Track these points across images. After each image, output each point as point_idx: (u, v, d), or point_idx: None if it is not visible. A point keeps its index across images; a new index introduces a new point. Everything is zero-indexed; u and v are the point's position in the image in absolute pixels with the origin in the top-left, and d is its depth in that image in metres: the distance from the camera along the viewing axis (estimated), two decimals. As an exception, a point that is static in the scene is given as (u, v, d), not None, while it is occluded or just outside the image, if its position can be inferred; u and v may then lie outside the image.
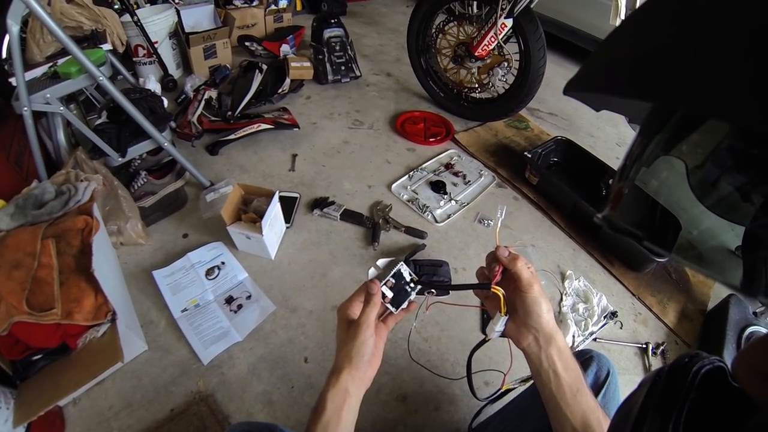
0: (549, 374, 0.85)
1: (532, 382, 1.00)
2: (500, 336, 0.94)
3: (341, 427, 0.78)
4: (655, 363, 1.82)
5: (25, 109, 1.63)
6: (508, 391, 1.09)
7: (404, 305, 0.95)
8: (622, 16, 2.11)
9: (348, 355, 0.83)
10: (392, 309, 0.92)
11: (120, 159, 1.89)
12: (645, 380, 0.51)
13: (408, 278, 0.95)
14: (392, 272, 0.93)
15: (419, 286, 0.95)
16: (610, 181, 2.35)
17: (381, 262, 0.86)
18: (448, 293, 1.86)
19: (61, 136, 1.88)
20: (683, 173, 0.45)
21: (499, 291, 0.90)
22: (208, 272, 1.86)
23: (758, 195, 0.39)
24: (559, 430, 0.85)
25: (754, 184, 0.39)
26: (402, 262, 0.95)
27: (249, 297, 1.80)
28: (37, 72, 1.77)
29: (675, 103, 0.36)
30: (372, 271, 0.83)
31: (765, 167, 0.37)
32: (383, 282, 0.91)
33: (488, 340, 0.96)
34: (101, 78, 1.68)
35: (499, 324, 0.91)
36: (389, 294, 0.91)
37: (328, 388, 0.80)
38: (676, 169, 0.45)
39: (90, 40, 2.17)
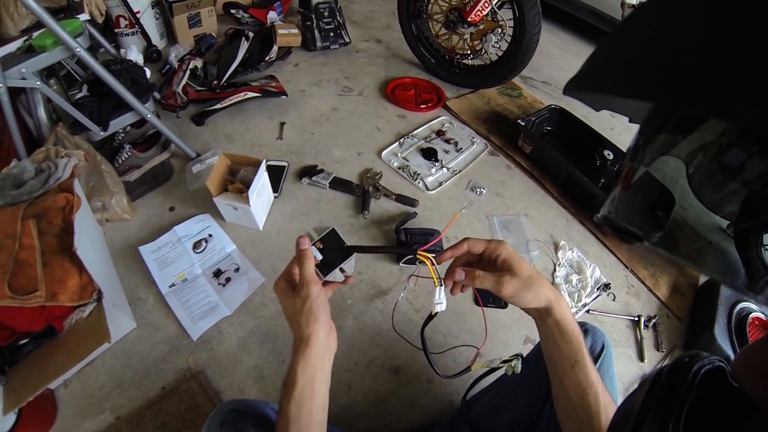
0: (548, 342, 0.88)
1: (502, 371, 1.01)
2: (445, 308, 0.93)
3: (315, 399, 0.77)
4: (647, 336, 1.83)
5: (0, 85, 1.58)
6: (483, 376, 1.10)
7: (339, 278, 0.94)
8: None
9: (311, 315, 0.81)
10: (319, 274, 0.89)
11: (102, 133, 1.85)
12: (645, 380, 0.51)
13: (339, 243, 0.94)
14: (324, 233, 0.93)
15: (353, 254, 0.94)
16: (605, 152, 2.34)
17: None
18: (441, 263, 1.84)
19: (41, 112, 1.83)
20: (683, 173, 0.45)
21: (427, 259, 0.90)
22: (196, 245, 1.83)
23: (759, 194, 0.40)
24: (557, 396, 0.88)
25: (755, 183, 0.39)
26: (333, 227, 0.95)
27: (237, 269, 1.78)
28: (12, 47, 1.71)
29: (675, 103, 0.35)
30: (300, 235, 0.84)
31: (765, 166, 0.37)
32: (313, 242, 0.90)
33: (435, 314, 0.95)
34: (78, 49, 1.63)
35: (437, 296, 0.91)
36: (319, 256, 0.90)
37: (298, 360, 0.78)
38: (676, 169, 0.46)
39: (66, 11, 2.11)
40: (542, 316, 0.88)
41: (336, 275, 0.93)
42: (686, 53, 0.31)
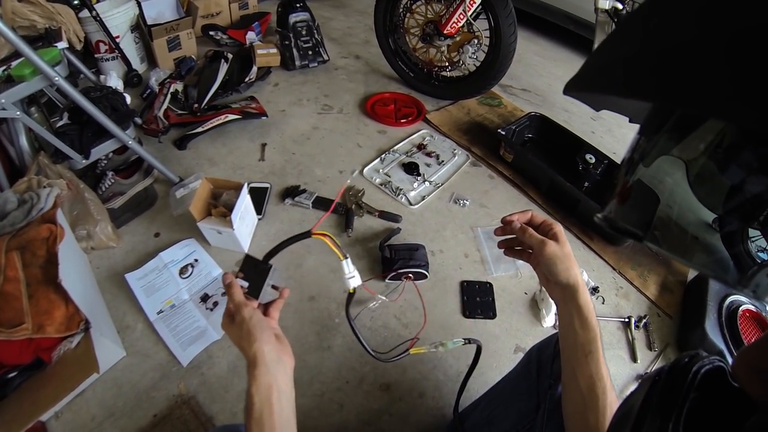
0: (567, 327, 0.90)
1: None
2: (361, 283, 0.97)
3: (275, 417, 0.77)
4: (638, 336, 1.84)
5: (-21, 116, 1.57)
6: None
7: (273, 295, 0.97)
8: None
9: (250, 336, 0.83)
10: (251, 299, 0.92)
11: (84, 161, 1.85)
12: (645, 380, 0.52)
13: (255, 262, 0.96)
14: (240, 262, 0.96)
15: (272, 269, 0.96)
16: (587, 156, 2.36)
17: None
18: (426, 277, 1.85)
19: (23, 141, 1.82)
20: (683, 172, 0.45)
21: (325, 237, 0.93)
22: (182, 271, 1.83)
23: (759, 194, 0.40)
24: (567, 387, 0.89)
25: (753, 182, 0.39)
26: (246, 253, 0.97)
27: (224, 293, 1.76)
28: (-9, 76, 1.71)
29: (671, 103, 0.36)
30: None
31: (765, 166, 0.38)
32: (235, 274, 0.93)
33: (353, 291, 0.98)
34: (57, 78, 1.63)
35: (346, 270, 0.94)
36: (244, 284, 0.93)
37: (250, 382, 0.80)
38: (676, 169, 0.46)
39: (44, 39, 2.10)
40: (566, 298, 0.90)
41: (268, 293, 0.95)
42: (683, 53, 0.32)
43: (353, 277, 0.95)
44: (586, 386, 0.83)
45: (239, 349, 0.85)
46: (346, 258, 0.93)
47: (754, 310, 1.82)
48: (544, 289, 1.89)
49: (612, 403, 0.82)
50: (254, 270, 0.95)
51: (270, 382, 0.79)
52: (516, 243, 1.04)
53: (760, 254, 0.45)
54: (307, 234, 0.93)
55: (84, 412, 1.44)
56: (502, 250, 1.06)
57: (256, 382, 0.78)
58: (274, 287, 0.97)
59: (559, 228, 0.95)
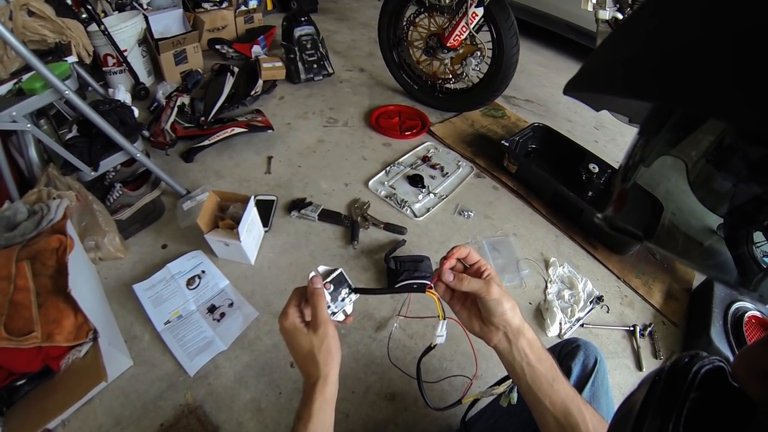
0: (523, 367, 0.86)
1: (500, 390, 1.02)
2: (445, 340, 0.97)
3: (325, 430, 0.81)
4: (643, 345, 1.84)
5: (-9, 128, 1.59)
6: (476, 401, 1.11)
7: (340, 318, 0.97)
8: (594, 0, 2.11)
9: (329, 354, 0.84)
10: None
11: (92, 173, 1.87)
12: (645, 380, 0.52)
13: (345, 285, 0.97)
14: (333, 275, 0.95)
15: (355, 295, 0.98)
16: (590, 166, 2.36)
17: (321, 268, 0.89)
18: (424, 292, 1.86)
19: (32, 152, 1.84)
20: (683, 172, 0.45)
21: (434, 295, 0.94)
22: (189, 282, 1.84)
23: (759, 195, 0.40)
24: (541, 422, 0.86)
25: (753, 183, 0.40)
26: (341, 269, 0.97)
27: (231, 304, 1.79)
28: (2, 89, 1.73)
29: (671, 102, 0.36)
30: (312, 274, 0.87)
31: (765, 166, 0.38)
32: (324, 282, 0.93)
33: (434, 346, 0.99)
34: (67, 92, 1.65)
35: (440, 329, 0.94)
36: (328, 298, 0.92)
37: (315, 396, 0.81)
38: (676, 169, 0.46)
39: (54, 53, 2.13)
40: (514, 339, 0.88)
41: (339, 315, 0.97)
42: (685, 53, 0.32)
43: (442, 336, 0.96)
44: (561, 413, 0.82)
45: (306, 357, 0.86)
46: (445, 320, 0.95)
47: (760, 317, 1.81)
48: (548, 298, 1.90)
49: (591, 418, 0.81)
50: (339, 288, 0.96)
51: (331, 401, 0.83)
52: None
53: (767, 259, 0.45)
54: (422, 289, 0.94)
55: (91, 421, 1.44)
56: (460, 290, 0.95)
57: (321, 398, 0.81)
58: (343, 311, 0.98)
59: (492, 269, 0.93)
